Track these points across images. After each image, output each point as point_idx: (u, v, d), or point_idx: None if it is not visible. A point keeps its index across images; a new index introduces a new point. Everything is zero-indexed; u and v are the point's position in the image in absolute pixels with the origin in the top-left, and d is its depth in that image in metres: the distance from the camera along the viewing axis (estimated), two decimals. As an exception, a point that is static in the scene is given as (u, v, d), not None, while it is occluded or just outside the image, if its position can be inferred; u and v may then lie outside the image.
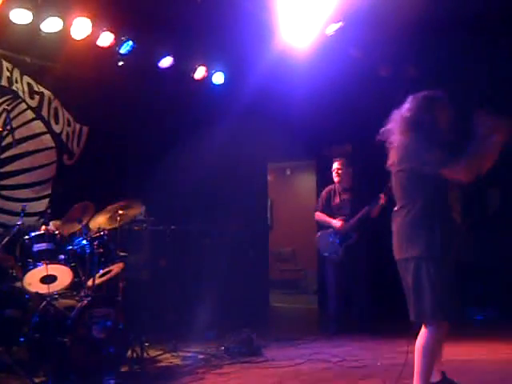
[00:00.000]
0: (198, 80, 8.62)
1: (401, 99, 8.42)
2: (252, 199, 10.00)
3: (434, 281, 4.16)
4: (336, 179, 7.74)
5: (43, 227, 5.72)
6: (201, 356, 6.19)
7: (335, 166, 7.76)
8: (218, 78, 8.87)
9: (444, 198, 4.26)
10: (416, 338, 4.29)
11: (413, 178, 4.27)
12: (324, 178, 10.40)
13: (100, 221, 5.88)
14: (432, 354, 4.26)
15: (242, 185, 9.55)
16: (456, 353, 5.37)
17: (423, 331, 4.26)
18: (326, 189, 7.83)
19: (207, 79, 8.74)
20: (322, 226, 7.79)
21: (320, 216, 7.76)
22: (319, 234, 7.75)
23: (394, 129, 4.45)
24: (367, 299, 7.56)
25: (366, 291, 7.54)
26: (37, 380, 4.95)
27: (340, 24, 7.74)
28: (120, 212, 5.87)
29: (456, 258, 4.30)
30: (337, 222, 7.51)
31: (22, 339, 5.14)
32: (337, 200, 7.68)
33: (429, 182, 4.21)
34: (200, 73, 8.58)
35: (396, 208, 4.48)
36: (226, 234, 8.86)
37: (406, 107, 4.46)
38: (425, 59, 8.56)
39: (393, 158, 4.45)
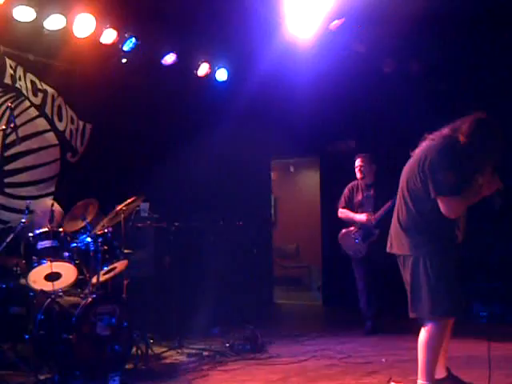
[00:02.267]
0: (201, 77, 8.62)
1: (404, 95, 8.47)
2: (255, 196, 10.00)
3: (432, 277, 4.19)
4: (358, 175, 7.55)
5: (47, 227, 5.70)
6: (205, 353, 6.19)
7: (357, 162, 7.56)
8: (222, 75, 8.86)
9: None
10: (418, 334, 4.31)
11: (425, 182, 4.27)
12: (328, 175, 10.43)
13: (104, 222, 5.89)
14: (434, 350, 4.27)
15: (245, 181, 9.55)
16: (461, 349, 5.37)
17: (424, 328, 4.27)
18: (349, 185, 7.65)
19: (210, 76, 8.74)
20: (346, 224, 7.62)
21: (344, 212, 7.58)
22: (342, 232, 7.60)
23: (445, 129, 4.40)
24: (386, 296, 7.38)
25: (386, 287, 7.33)
26: (41, 377, 4.97)
27: (343, 19, 7.73)
28: (123, 209, 5.87)
29: (458, 254, 4.31)
30: (361, 216, 7.36)
31: (26, 336, 5.16)
32: (359, 197, 7.52)
33: None
34: (203, 69, 8.58)
35: (398, 202, 4.47)
36: (229, 230, 8.84)
37: (462, 124, 4.33)
38: (429, 54, 8.53)
39: (421, 151, 4.40)
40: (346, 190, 7.64)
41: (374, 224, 7.21)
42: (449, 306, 4.21)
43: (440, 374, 4.47)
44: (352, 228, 7.48)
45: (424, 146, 4.41)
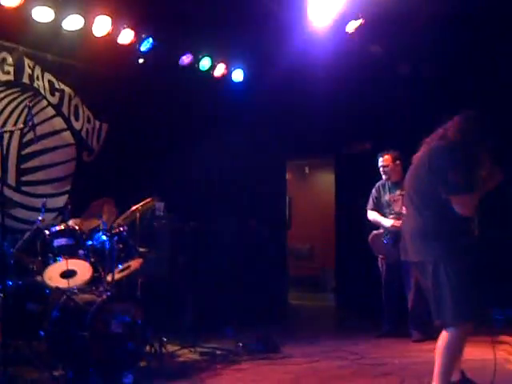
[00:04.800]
0: (217, 77, 8.65)
1: (419, 96, 8.45)
2: (271, 196, 10.01)
3: (454, 283, 4.17)
4: (384, 177, 7.36)
5: (63, 225, 5.75)
6: (218, 352, 6.21)
7: (379, 162, 7.36)
8: (238, 76, 8.89)
9: None
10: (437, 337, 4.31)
11: (435, 185, 4.27)
12: (342, 176, 10.42)
13: (119, 221, 5.94)
14: (453, 355, 4.27)
15: (260, 182, 9.56)
16: (476, 353, 5.35)
17: (445, 332, 4.26)
18: (376, 185, 7.42)
19: (227, 76, 8.77)
20: (376, 227, 7.37)
21: (372, 215, 7.35)
22: (372, 234, 7.35)
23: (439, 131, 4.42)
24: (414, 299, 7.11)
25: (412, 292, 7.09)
26: (56, 373, 5.01)
27: (361, 21, 7.72)
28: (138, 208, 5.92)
29: (475, 259, 4.30)
30: (388, 221, 7.14)
31: (41, 333, 5.18)
32: (387, 197, 7.30)
33: None
34: (220, 70, 8.62)
35: (407, 210, 4.47)
36: (244, 231, 8.87)
37: (453, 123, 4.40)
38: (444, 58, 8.51)
39: (422, 155, 4.43)
40: (373, 191, 7.43)
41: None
42: (471, 311, 4.20)
43: (454, 376, 4.45)
44: (382, 230, 7.25)
45: (424, 149, 4.42)
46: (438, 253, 4.24)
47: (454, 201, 4.18)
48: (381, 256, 7.38)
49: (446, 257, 4.21)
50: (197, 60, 8.31)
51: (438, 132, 4.41)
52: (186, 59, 8.15)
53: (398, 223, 6.80)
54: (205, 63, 8.40)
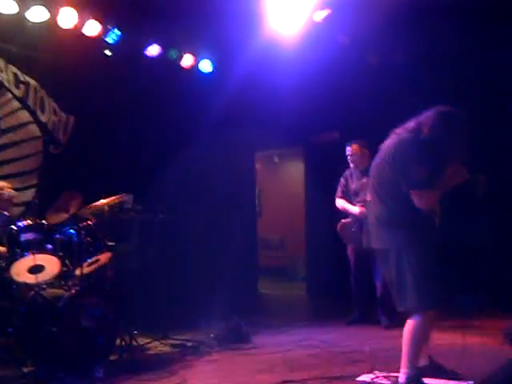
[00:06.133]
0: (185, 68, 8.60)
1: (388, 86, 8.49)
2: (240, 187, 10.01)
3: (416, 271, 4.22)
4: (352, 165, 7.40)
5: (30, 219, 5.68)
6: (189, 343, 6.20)
7: (347, 151, 7.40)
8: (206, 66, 8.85)
9: None
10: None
11: (397, 176, 4.30)
12: (312, 166, 10.46)
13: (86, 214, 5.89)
14: (419, 341, 4.33)
15: (230, 172, 9.56)
16: (443, 338, 5.42)
17: (411, 319, 4.31)
18: (344, 173, 7.47)
19: (195, 67, 8.73)
20: (344, 215, 7.38)
21: (340, 203, 7.39)
22: (340, 223, 7.36)
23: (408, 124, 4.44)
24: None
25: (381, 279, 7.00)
26: (25, 369, 4.96)
27: (328, 11, 7.73)
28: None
29: (437, 247, 4.36)
30: (355, 209, 7.19)
31: (10, 329, 5.12)
32: (354, 185, 7.34)
33: None
34: (187, 61, 8.56)
35: (371, 197, 4.50)
36: (214, 222, 8.87)
37: (426, 118, 4.39)
38: (414, 46, 8.55)
39: (390, 145, 4.44)
40: (341, 179, 7.48)
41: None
42: (434, 298, 4.25)
43: (422, 361, 4.52)
44: (350, 219, 7.27)
45: (391, 140, 4.45)
46: (401, 241, 4.29)
47: (413, 195, 4.22)
48: (350, 244, 7.42)
49: (408, 245, 4.26)
50: (165, 51, 8.25)
51: (409, 124, 4.41)
52: (152, 50, 8.09)
53: (362, 210, 6.91)
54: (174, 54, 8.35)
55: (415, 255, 4.23)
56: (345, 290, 7.65)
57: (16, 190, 6.84)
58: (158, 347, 6.16)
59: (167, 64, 8.38)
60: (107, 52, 7.64)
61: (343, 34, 8.47)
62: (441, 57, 8.44)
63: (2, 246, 5.53)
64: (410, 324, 4.32)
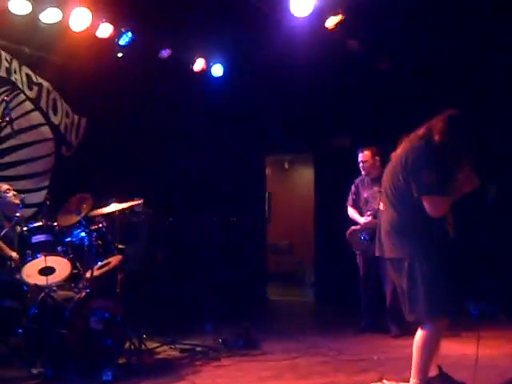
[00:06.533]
0: (197, 72, 8.62)
1: (399, 93, 8.47)
2: (250, 192, 10.01)
3: (428, 279, 4.20)
4: (363, 172, 7.32)
5: (42, 221, 5.69)
6: (198, 348, 6.18)
7: (359, 158, 7.31)
8: (217, 70, 8.86)
9: None
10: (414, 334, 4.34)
11: (409, 183, 4.28)
12: (321, 171, 10.44)
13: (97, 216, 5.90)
14: (430, 350, 4.30)
15: (240, 177, 9.57)
16: (452, 347, 5.40)
17: (421, 329, 4.29)
18: (356, 181, 7.41)
19: (206, 71, 8.74)
20: (355, 222, 7.32)
21: (350, 212, 7.35)
22: (350, 230, 7.32)
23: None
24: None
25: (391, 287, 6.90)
26: (34, 371, 4.97)
27: (340, 17, 7.72)
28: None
29: (449, 255, 4.34)
30: (361, 219, 7.16)
31: (20, 330, 5.15)
32: (365, 194, 7.28)
33: None
34: (199, 65, 8.58)
35: (384, 206, 4.49)
36: (224, 226, 8.86)
37: (437, 117, 4.40)
38: (425, 53, 8.55)
39: (401, 152, 4.42)
40: (352, 187, 7.42)
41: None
42: (446, 307, 4.23)
43: (432, 372, 4.49)
44: (359, 226, 7.23)
45: (402, 147, 4.44)
46: (413, 250, 4.27)
47: (425, 201, 4.21)
48: (358, 252, 7.38)
49: (420, 253, 4.25)
50: (176, 54, 8.26)
51: (420, 131, 4.41)
52: (165, 53, 8.10)
53: (371, 221, 6.91)
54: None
55: (428, 264, 4.21)
56: (354, 297, 7.61)
57: (28, 191, 6.89)
58: (166, 351, 6.15)
59: (178, 67, 8.40)
60: (119, 54, 7.64)
61: (356, 39, 8.45)
62: (451, 62, 8.43)
63: (13, 250, 5.55)
64: (420, 334, 4.29)
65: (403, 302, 4.39)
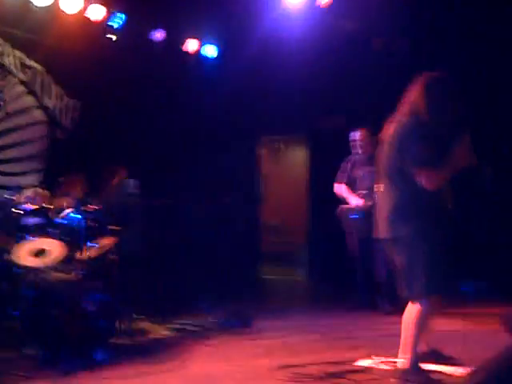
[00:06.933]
0: (190, 53, 8.61)
1: (392, 71, 8.46)
2: (244, 173, 10.03)
3: (427, 257, 4.24)
4: (360, 151, 7.33)
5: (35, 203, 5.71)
6: (191, 328, 6.25)
7: (358, 136, 7.34)
8: (211, 51, 8.85)
9: None
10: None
11: (404, 160, 4.31)
12: (315, 152, 10.45)
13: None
14: (420, 327, 4.34)
15: (234, 158, 9.57)
16: (442, 324, 5.46)
17: (413, 306, 4.33)
18: (349, 159, 7.41)
19: (200, 52, 8.74)
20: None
21: (340, 189, 7.32)
22: (339, 208, 7.36)
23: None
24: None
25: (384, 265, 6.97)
26: (28, 352, 5.02)
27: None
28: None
29: (447, 233, 4.38)
30: (358, 201, 7.15)
31: (13, 312, 5.19)
32: (360, 171, 7.28)
33: None
34: (192, 46, 8.57)
35: (380, 187, 4.52)
36: (217, 207, 8.90)
37: (413, 88, 4.44)
38: (418, 31, 8.53)
39: (392, 133, 4.45)
40: (347, 164, 7.39)
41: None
42: (442, 285, 4.28)
43: (421, 347, 4.54)
44: (349, 206, 7.27)
45: (391, 128, 4.46)
46: (412, 228, 4.29)
47: (419, 174, 4.23)
48: (349, 231, 7.40)
49: (419, 232, 4.28)
50: (169, 36, 8.26)
51: (403, 108, 4.44)
52: (158, 35, 8.10)
53: (362, 203, 7.01)
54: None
55: (426, 242, 4.25)
56: (346, 276, 7.67)
57: (21, 173, 6.93)
58: (159, 331, 6.18)
59: (172, 49, 8.39)
60: (112, 36, 7.64)
61: (349, 18, 8.44)
62: (443, 42, 8.41)
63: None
64: (411, 311, 4.33)
65: (400, 279, 4.43)
